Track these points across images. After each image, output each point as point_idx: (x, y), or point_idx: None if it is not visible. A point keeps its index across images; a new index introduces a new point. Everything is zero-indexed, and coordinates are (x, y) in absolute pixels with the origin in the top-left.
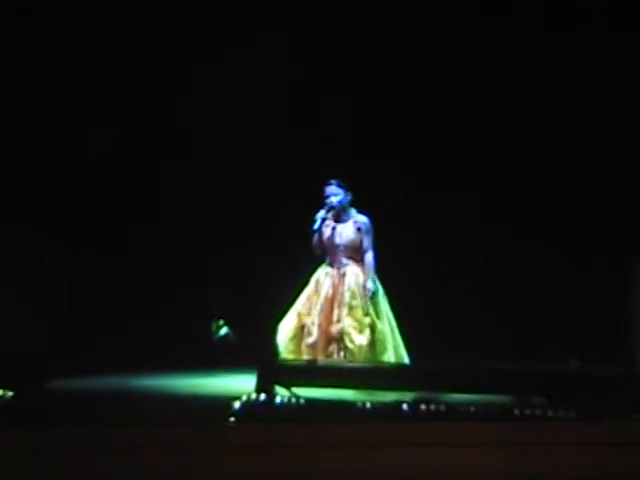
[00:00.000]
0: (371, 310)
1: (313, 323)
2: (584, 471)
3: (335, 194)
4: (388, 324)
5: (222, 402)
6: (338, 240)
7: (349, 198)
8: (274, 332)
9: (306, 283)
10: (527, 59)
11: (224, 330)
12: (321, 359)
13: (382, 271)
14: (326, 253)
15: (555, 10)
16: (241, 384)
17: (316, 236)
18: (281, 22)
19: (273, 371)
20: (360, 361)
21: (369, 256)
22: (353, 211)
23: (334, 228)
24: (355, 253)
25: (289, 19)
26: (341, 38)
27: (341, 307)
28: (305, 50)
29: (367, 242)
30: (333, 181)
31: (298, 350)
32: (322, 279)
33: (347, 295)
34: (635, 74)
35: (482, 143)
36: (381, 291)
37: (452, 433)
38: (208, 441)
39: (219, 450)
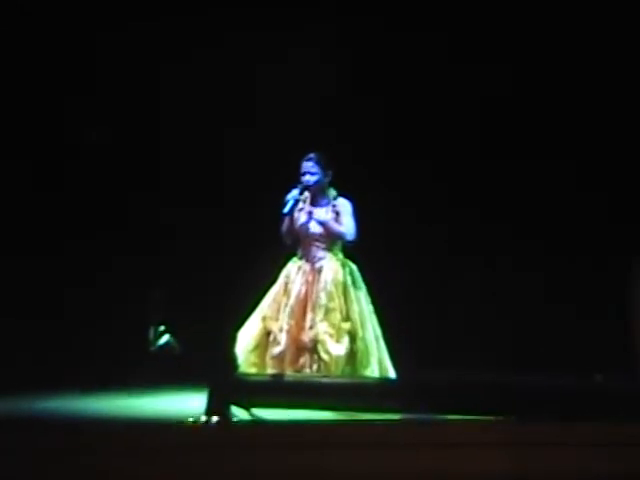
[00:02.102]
0: (354, 314)
1: (281, 329)
2: (584, 471)
3: (312, 172)
4: (372, 331)
5: (163, 427)
6: (313, 228)
7: (328, 178)
8: (232, 340)
9: (274, 280)
10: (518, 54)
11: (165, 338)
12: (290, 373)
13: (365, 267)
14: (298, 243)
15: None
16: (187, 405)
17: (287, 222)
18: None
19: (229, 388)
20: (337, 375)
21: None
22: (332, 193)
23: (309, 213)
24: (333, 244)
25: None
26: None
27: (315, 310)
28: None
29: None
30: (312, 155)
31: (262, 362)
32: (293, 275)
33: (323, 296)
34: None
35: (483, 140)
36: (364, 290)
37: (451, 433)
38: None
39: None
